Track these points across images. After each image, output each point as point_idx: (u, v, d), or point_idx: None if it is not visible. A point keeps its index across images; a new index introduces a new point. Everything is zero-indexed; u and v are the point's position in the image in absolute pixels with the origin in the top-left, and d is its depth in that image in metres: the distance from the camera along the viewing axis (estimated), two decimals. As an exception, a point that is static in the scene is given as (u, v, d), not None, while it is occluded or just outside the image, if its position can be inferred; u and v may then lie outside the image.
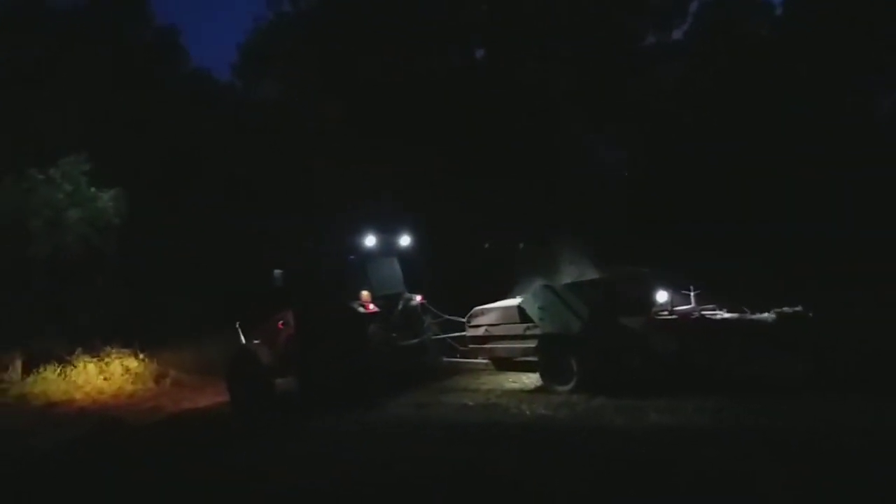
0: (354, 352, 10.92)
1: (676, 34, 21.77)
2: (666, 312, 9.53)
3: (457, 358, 11.73)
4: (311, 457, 8.32)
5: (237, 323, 12.94)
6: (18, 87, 17.94)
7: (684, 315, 9.45)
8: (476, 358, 11.34)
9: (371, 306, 11.37)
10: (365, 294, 11.47)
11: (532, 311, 10.29)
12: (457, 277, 14.38)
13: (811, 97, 18.46)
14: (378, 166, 18.07)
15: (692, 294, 9.67)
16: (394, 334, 11.47)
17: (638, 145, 18.91)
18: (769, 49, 19.72)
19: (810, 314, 8.76)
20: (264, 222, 18.54)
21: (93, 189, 18.27)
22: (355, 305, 11.29)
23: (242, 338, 12.78)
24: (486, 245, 15.79)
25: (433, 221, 15.70)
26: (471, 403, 9.77)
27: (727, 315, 9.31)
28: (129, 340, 17.88)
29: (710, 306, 9.61)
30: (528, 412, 8.83)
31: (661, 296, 9.67)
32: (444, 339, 11.91)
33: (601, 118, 19.08)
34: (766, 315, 8.96)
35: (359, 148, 18.79)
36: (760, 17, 21.09)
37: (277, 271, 11.84)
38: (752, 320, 8.95)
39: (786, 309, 8.88)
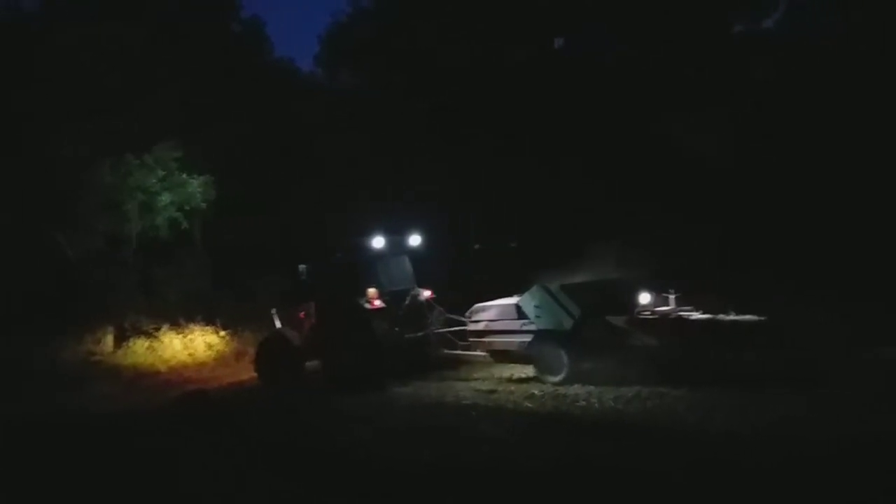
0: (361, 343, 11.68)
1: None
2: (648, 312, 9.96)
3: (456, 351, 12.25)
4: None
5: (273, 309, 14.04)
6: (119, 75, 19.30)
7: (664, 315, 9.84)
8: (475, 351, 11.81)
9: (377, 302, 12.03)
10: (371, 291, 12.10)
11: (528, 309, 10.81)
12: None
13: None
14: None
15: (671, 297, 10.01)
16: (397, 328, 12.10)
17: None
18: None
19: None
20: (328, 211, 19.45)
21: (183, 175, 19.78)
22: (361, 301, 11.99)
23: (277, 323, 13.87)
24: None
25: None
26: (537, 392, 9.98)
27: (701, 316, 9.61)
28: (212, 318, 19.19)
29: (688, 308, 9.88)
30: (597, 405, 8.89)
31: (644, 297, 10.08)
32: (444, 332, 12.42)
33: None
34: (748, 317, 9.30)
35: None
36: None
37: (302, 266, 12.82)
38: (720, 321, 9.29)
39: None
